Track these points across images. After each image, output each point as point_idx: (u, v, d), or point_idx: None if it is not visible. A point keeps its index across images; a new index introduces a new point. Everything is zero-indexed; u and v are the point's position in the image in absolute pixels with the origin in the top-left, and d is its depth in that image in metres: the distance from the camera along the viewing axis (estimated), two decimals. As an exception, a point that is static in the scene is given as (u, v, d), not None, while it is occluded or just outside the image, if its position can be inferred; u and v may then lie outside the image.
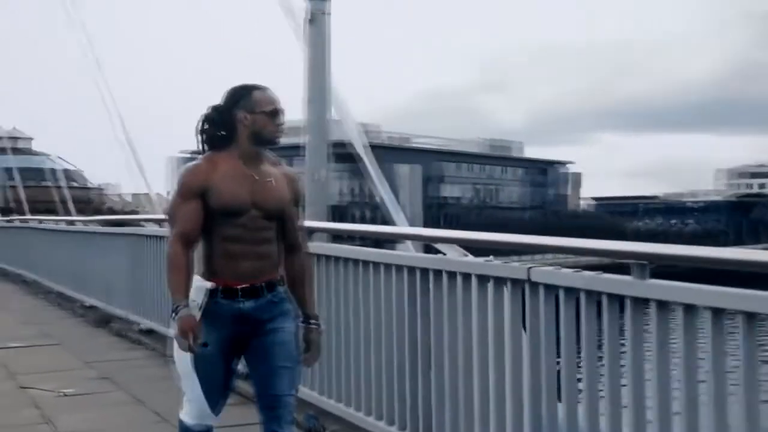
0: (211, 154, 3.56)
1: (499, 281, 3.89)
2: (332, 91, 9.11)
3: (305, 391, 5.41)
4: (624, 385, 3.27)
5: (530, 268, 3.71)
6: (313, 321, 3.67)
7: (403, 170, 75.84)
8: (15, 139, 78.13)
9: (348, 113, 10.06)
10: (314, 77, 7.37)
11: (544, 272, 3.64)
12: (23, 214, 27.64)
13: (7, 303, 13.60)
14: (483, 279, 4.00)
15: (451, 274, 4.22)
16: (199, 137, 3.59)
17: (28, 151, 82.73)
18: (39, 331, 10.34)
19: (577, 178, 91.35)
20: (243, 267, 3.49)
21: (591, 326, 3.41)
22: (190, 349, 3.41)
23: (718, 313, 2.91)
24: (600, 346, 3.38)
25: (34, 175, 73.82)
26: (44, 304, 13.38)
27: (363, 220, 74.91)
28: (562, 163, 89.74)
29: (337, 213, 73.74)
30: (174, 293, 3.46)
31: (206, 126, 3.58)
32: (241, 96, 3.56)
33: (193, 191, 3.50)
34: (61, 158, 73.90)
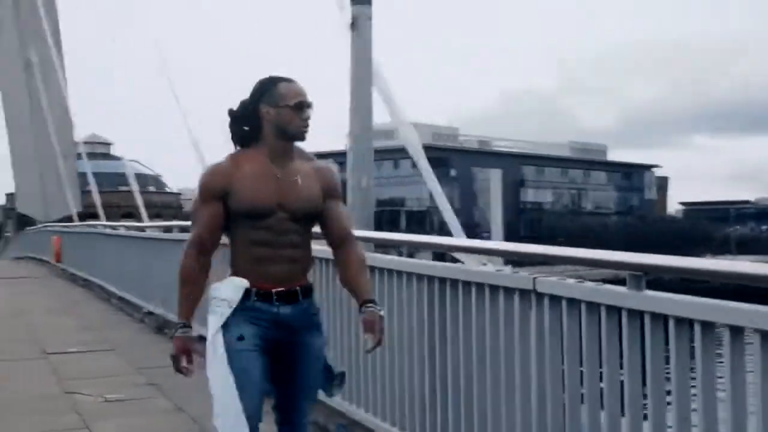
0: (237, 152, 3.45)
1: (509, 291, 3.93)
2: (390, 96, 9.21)
3: (336, 399, 5.53)
4: (623, 397, 3.28)
5: (535, 278, 3.74)
6: (369, 304, 3.41)
7: (483, 174, 75.61)
8: (94, 144, 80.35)
9: (403, 117, 10.14)
10: (358, 84, 7.47)
11: (549, 283, 3.67)
12: (100, 219, 28.30)
13: (73, 308, 14.05)
14: (494, 289, 4.04)
15: (465, 284, 4.27)
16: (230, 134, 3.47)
17: (107, 156, 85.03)
18: (97, 337, 10.66)
19: (663, 182, 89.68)
20: (273, 271, 3.36)
21: (591, 337, 3.43)
22: (180, 371, 3.35)
23: (707, 326, 2.91)
24: (600, 357, 3.39)
25: (112, 180, 75.74)
26: (108, 310, 13.78)
27: (441, 226, 74.91)
28: (648, 167, 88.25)
29: (414, 218, 74.13)
30: (179, 309, 3.38)
31: (232, 122, 3.46)
32: (266, 89, 3.43)
33: (213, 193, 3.38)
34: (139, 163, 75.50)
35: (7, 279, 20.62)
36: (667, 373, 3.08)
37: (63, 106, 36.39)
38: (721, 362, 2.85)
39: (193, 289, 3.39)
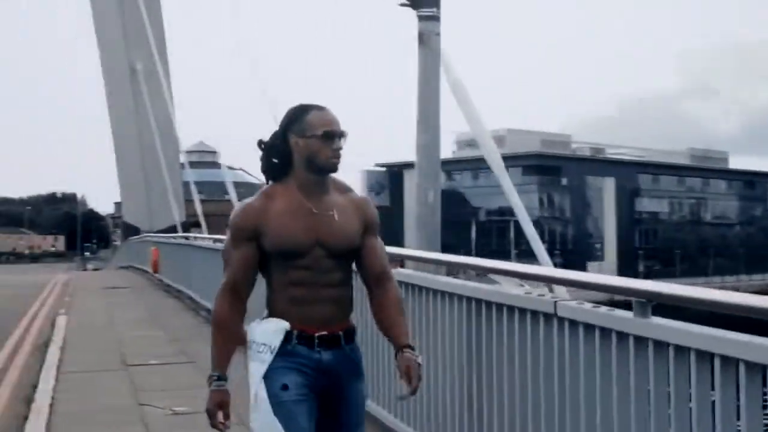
0: (269, 187, 3.37)
1: (535, 314, 4.05)
2: (471, 106, 9.37)
3: (381, 413, 5.75)
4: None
5: (556, 302, 3.86)
6: (408, 350, 3.32)
7: (596, 183, 74.57)
8: (201, 152, 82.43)
9: (483, 127, 10.27)
10: (425, 99, 7.65)
11: (569, 307, 3.78)
12: (202, 229, 29.04)
13: (162, 320, 14.62)
14: (522, 311, 4.17)
15: (498, 305, 4.41)
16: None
17: (214, 165, 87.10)
18: (180, 349, 11.10)
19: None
20: (313, 313, 3.26)
21: (605, 361, 3.53)
22: (216, 427, 3.28)
23: (703, 355, 2.99)
24: (611, 381, 3.49)
25: (217, 189, 77.37)
26: (195, 323, 14.28)
27: (552, 237, 74.20)
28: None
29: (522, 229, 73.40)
30: (212, 360, 3.32)
31: (263, 154, 3.40)
32: (295, 118, 3.35)
33: (245, 235, 3.29)
34: (245, 171, 76.86)
35: (105, 289, 21.53)
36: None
37: (168, 115, 37.50)
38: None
39: (228, 337, 3.30)
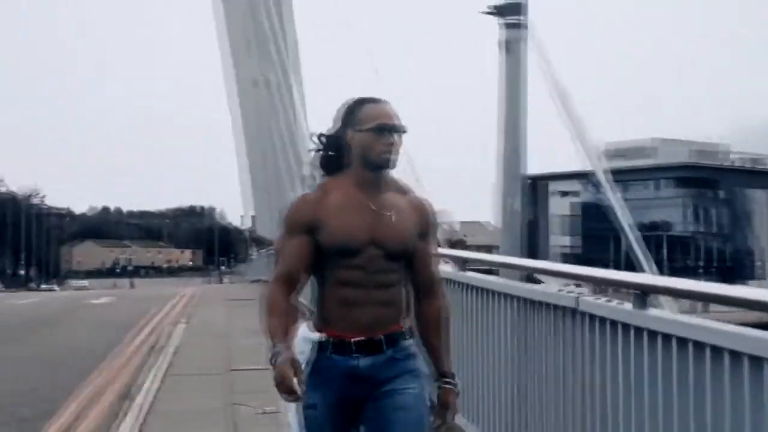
0: (327, 181, 3.38)
1: (561, 309, 4.42)
2: (574, 116, 9.69)
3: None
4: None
5: (578, 298, 4.21)
6: (446, 380, 3.37)
7: (756, 196, 72.36)
8: None
9: (586, 138, 10.57)
10: (508, 107, 8.04)
11: (588, 302, 4.14)
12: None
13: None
14: (558, 308, 4.53)
15: (538, 303, 4.78)
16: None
17: None
18: (286, 356, 11.75)
19: None
20: (360, 316, 3.25)
21: (614, 351, 3.87)
22: (289, 392, 3.05)
23: (698, 345, 3.29)
24: (617, 369, 3.82)
25: None
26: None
27: (708, 253, 72.25)
28: None
29: (680, 245, 71.64)
30: (271, 336, 3.16)
31: (321, 148, 3.41)
32: (351, 111, 3.36)
33: (300, 226, 3.28)
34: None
35: (228, 301, 22.58)
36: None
37: (301, 127, 38.51)
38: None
39: (280, 317, 3.19)
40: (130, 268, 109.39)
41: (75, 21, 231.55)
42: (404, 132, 3.33)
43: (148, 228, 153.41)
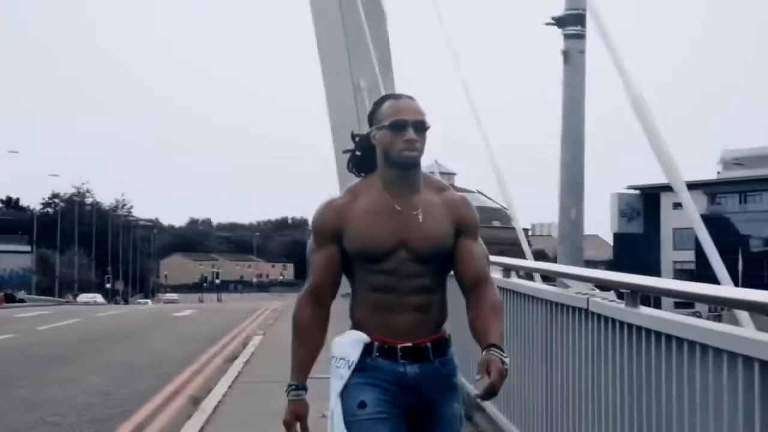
0: (355, 183, 3.42)
1: (573, 309, 5.03)
2: (654, 126, 10.17)
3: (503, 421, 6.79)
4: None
5: (588, 299, 4.81)
6: (494, 349, 3.14)
7: None
8: (444, 175, 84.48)
9: (665, 149, 11.03)
10: (569, 117, 8.61)
11: (597, 303, 4.73)
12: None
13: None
14: (578, 310, 5.12)
15: (560, 305, 5.38)
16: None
17: (453, 188, 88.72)
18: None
19: None
20: (397, 322, 3.27)
21: (614, 347, 4.46)
22: None
23: (680, 341, 3.86)
24: (615, 362, 4.41)
25: None
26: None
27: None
28: None
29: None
30: (291, 368, 3.33)
31: (354, 147, 3.46)
32: (374, 109, 3.40)
33: (326, 235, 3.32)
34: (482, 194, 78.12)
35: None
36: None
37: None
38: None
39: (308, 344, 3.31)
40: (217, 282, 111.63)
41: (168, 33, 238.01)
42: (425, 128, 3.31)
43: (237, 241, 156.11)
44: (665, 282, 4.28)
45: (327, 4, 44.83)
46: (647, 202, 79.95)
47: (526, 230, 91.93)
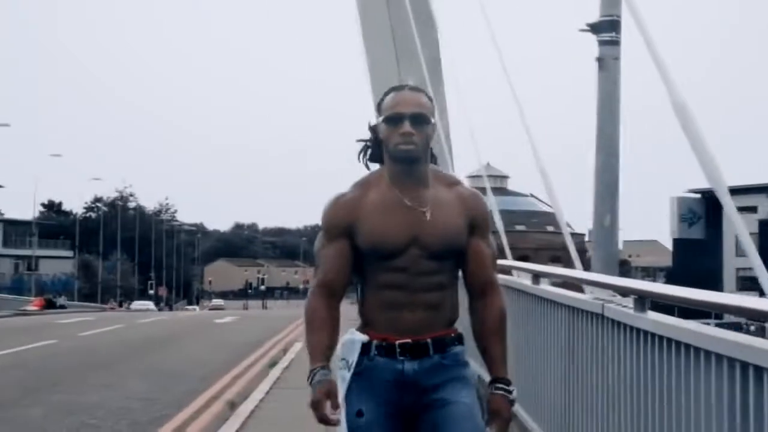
0: (365, 177, 3.47)
1: (590, 314, 5.38)
2: (697, 132, 10.45)
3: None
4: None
5: (603, 305, 5.15)
6: (500, 386, 3.40)
7: None
8: (497, 177, 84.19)
9: (710, 158, 11.26)
10: (604, 123, 8.93)
11: (612, 309, 5.07)
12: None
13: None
14: (595, 316, 5.47)
15: (575, 309, 5.74)
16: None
17: (503, 192, 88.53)
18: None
19: None
20: (405, 320, 3.33)
21: (624, 349, 4.80)
22: (323, 421, 3.22)
23: (687, 347, 4.19)
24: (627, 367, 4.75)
25: (505, 218, 78.75)
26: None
27: None
28: None
29: None
30: (310, 356, 3.32)
31: (368, 140, 3.51)
32: (381, 100, 3.45)
33: (337, 229, 3.38)
34: (536, 198, 77.81)
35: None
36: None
37: (447, 137, 39.68)
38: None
39: (323, 332, 3.33)
40: (262, 288, 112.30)
41: (213, 39, 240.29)
42: (425, 121, 3.34)
43: (283, 246, 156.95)
44: (671, 289, 4.61)
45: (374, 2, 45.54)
46: (709, 207, 79.20)
47: (581, 235, 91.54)
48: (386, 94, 3.42)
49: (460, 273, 3.50)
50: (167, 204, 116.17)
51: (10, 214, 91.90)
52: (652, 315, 4.55)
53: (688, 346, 3.94)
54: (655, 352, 4.38)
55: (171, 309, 79.46)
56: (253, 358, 15.89)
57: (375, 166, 3.50)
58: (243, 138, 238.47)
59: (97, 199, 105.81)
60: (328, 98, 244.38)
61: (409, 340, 3.33)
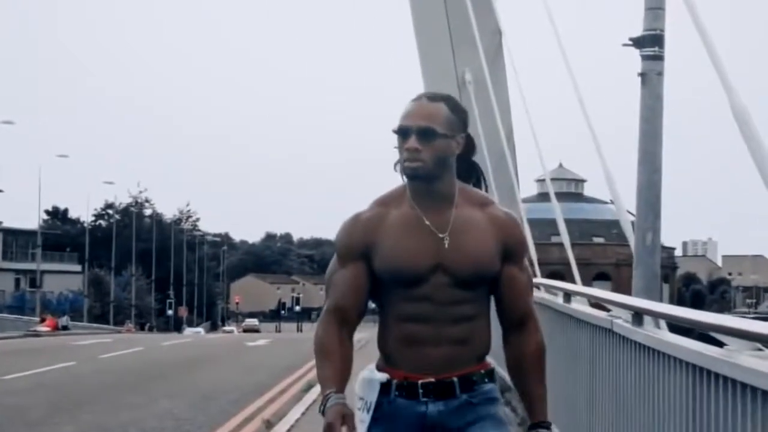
0: (387, 194, 3.59)
1: (600, 329, 6.83)
2: (759, 141, 11.69)
3: None
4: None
5: (612, 320, 6.59)
6: (541, 429, 3.56)
7: None
8: (559, 181, 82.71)
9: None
10: (646, 140, 10.26)
11: (619, 325, 6.50)
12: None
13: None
14: (606, 331, 6.91)
15: (590, 325, 7.19)
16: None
17: (578, 198, 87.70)
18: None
19: None
20: (428, 356, 3.45)
21: (628, 363, 6.24)
22: None
23: (672, 359, 5.64)
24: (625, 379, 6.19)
25: (583, 228, 78.59)
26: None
27: None
28: None
29: None
30: (321, 386, 3.48)
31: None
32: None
33: (352, 252, 3.50)
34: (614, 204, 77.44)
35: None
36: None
37: (510, 135, 40.46)
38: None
39: (336, 362, 3.48)
40: (298, 309, 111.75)
41: (236, 46, 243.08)
42: (432, 135, 3.44)
43: (322, 260, 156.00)
44: (664, 307, 6.07)
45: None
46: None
47: (671, 249, 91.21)
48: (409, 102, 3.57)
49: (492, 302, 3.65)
50: (188, 211, 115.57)
51: (11, 222, 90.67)
52: (647, 330, 5.99)
53: (669, 357, 5.37)
54: (651, 364, 5.78)
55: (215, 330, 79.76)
56: (288, 381, 17.54)
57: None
58: (274, 137, 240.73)
59: (109, 205, 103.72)
60: (370, 101, 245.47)
61: (432, 379, 3.46)
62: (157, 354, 26.38)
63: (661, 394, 5.36)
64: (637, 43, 10.54)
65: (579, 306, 8.15)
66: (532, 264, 11.74)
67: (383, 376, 3.49)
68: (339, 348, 3.47)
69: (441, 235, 3.43)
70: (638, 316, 6.04)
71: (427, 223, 3.45)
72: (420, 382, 3.45)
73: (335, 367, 3.46)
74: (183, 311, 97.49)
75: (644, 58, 10.51)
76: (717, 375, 4.23)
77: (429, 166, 3.42)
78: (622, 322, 6.50)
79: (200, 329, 77.22)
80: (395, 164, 3.55)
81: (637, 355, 5.95)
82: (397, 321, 3.47)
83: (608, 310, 7.84)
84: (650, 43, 10.42)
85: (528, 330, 3.56)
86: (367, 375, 3.55)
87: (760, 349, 4.54)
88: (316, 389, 15.23)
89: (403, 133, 3.44)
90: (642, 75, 10.52)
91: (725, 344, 4.61)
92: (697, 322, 5.46)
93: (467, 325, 3.46)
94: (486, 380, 3.54)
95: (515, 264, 3.56)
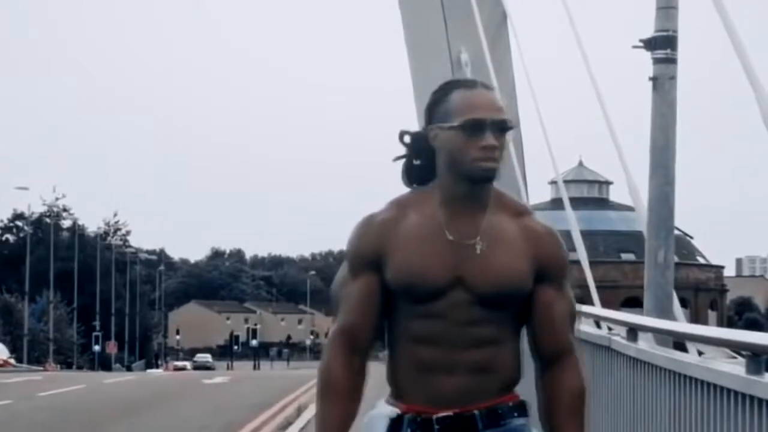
0: (405, 194, 3.74)
1: (602, 348, 8.62)
2: None
3: None
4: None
5: (611, 338, 8.38)
6: None
7: None
8: (579, 183, 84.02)
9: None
10: (658, 150, 11.80)
11: (617, 342, 8.28)
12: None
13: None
14: (605, 348, 8.70)
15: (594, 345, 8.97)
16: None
17: (602, 203, 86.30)
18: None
19: None
20: (443, 386, 3.58)
21: (628, 379, 8.03)
22: None
23: (662, 370, 7.43)
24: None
25: (609, 243, 78.64)
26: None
27: None
28: None
29: None
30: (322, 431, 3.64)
31: (406, 151, 3.75)
32: (435, 100, 3.67)
33: (364, 260, 3.65)
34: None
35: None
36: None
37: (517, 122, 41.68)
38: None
39: (341, 403, 3.64)
40: (254, 343, 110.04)
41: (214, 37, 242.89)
42: (507, 129, 3.62)
43: (282, 284, 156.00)
44: (656, 322, 7.89)
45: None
46: None
47: (720, 268, 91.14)
48: (446, 91, 3.68)
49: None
50: (116, 223, 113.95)
51: None
52: (641, 344, 7.77)
53: (658, 367, 7.12)
54: (644, 377, 7.52)
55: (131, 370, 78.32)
56: (263, 418, 19.05)
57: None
58: (221, 137, 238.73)
59: (18, 215, 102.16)
60: (342, 105, 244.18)
61: (450, 413, 3.61)
62: (105, 392, 27.79)
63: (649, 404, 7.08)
64: (648, 44, 11.96)
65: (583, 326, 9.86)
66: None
67: (393, 411, 3.63)
68: (347, 384, 3.63)
69: (468, 243, 3.59)
70: (633, 331, 7.80)
71: (449, 234, 3.61)
72: (435, 416, 3.59)
73: (339, 411, 3.63)
74: (112, 347, 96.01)
75: (656, 61, 11.92)
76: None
77: (499, 165, 3.61)
78: (619, 338, 8.25)
79: (208, 356, 76.12)
80: (404, 175, 3.79)
81: (630, 368, 7.66)
82: (408, 343, 3.61)
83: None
84: (662, 45, 11.79)
85: (565, 367, 3.68)
86: (375, 412, 3.70)
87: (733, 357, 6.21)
88: (298, 424, 16.94)
89: (476, 127, 3.55)
90: (653, 79, 11.92)
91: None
92: (688, 334, 7.18)
93: (488, 349, 3.59)
94: (515, 414, 3.68)
95: (552, 287, 3.69)
